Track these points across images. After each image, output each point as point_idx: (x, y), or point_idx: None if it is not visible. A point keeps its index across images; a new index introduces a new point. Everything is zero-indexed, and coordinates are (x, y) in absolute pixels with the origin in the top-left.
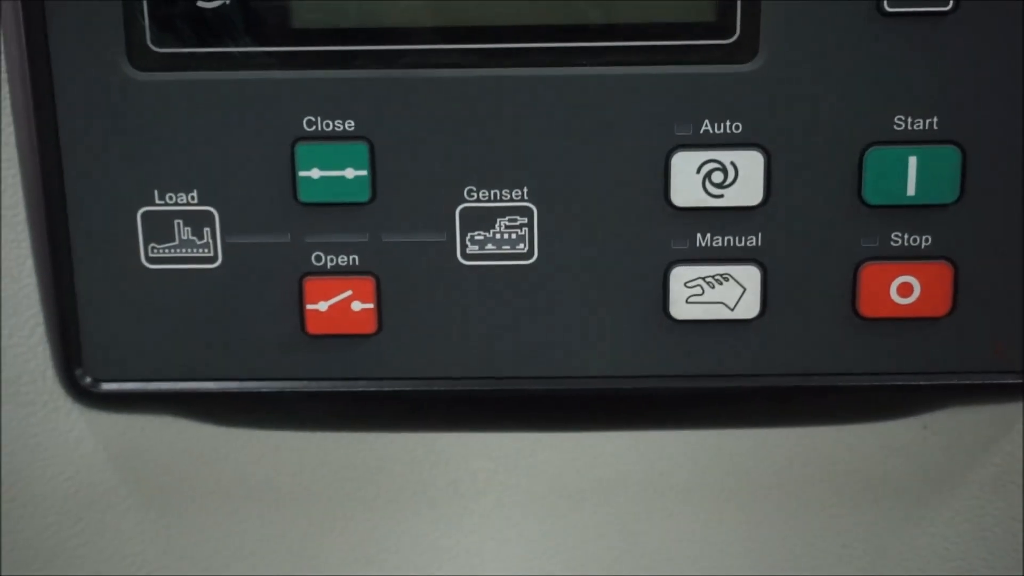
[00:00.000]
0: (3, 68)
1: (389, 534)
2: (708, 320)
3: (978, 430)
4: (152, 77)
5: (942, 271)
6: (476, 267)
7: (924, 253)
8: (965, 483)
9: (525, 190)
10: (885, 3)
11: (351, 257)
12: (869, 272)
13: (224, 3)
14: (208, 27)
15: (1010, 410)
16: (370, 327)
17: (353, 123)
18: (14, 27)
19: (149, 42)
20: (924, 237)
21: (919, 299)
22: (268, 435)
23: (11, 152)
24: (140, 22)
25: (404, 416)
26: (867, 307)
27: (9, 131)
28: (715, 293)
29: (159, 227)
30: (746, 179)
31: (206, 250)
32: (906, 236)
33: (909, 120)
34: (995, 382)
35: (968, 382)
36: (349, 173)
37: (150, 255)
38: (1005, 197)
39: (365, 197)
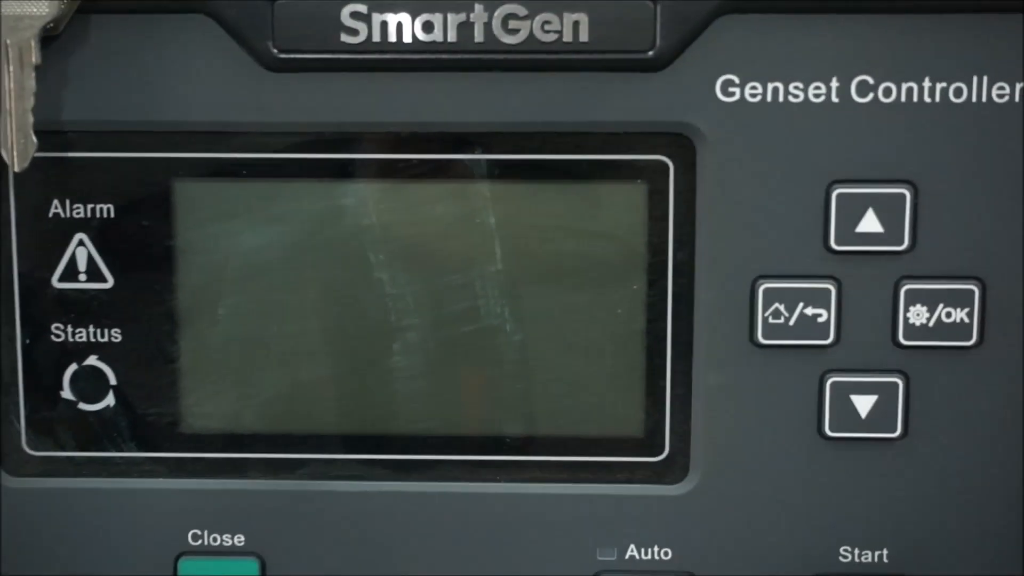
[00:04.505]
0: None
1: None
2: None
3: None
4: (26, 483)
5: None
6: None
7: None
8: None
9: None
10: (826, 427)
11: None
12: None
13: (108, 406)
14: (89, 431)
15: None
16: None
17: (243, 537)
18: None
19: (24, 445)
20: None
21: None
22: None
23: None
24: (15, 424)
25: None
26: None
27: None
28: None
29: None
30: None
31: None
32: None
33: (856, 552)
34: None
35: None
36: None
37: None
38: None
39: None
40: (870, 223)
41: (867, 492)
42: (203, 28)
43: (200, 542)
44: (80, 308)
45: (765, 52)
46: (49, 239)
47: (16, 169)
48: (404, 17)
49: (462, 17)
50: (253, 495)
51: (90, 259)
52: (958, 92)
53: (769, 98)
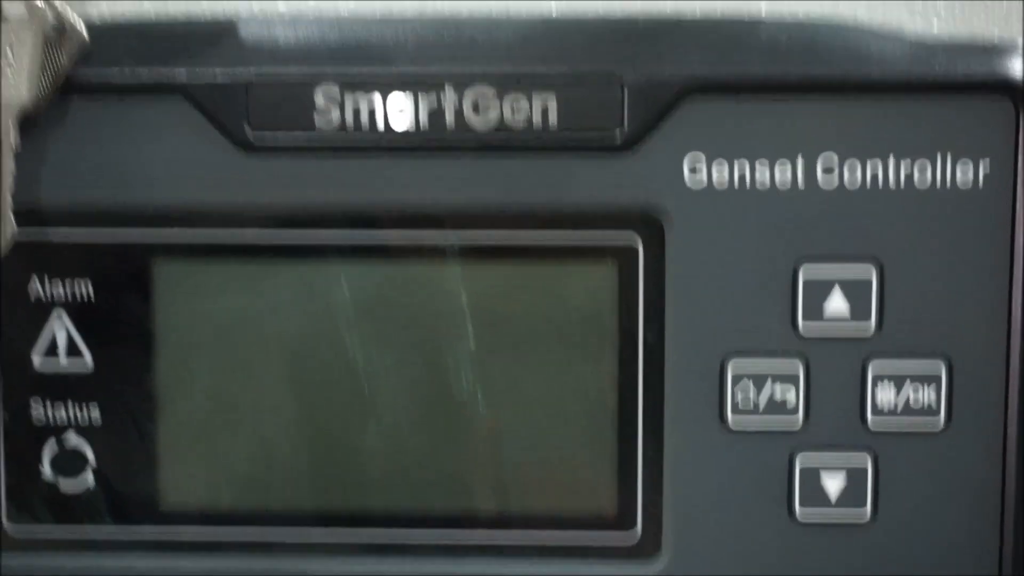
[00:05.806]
0: None
1: None
2: None
3: None
4: (4, 559)
5: None
6: None
7: None
8: None
9: None
10: (796, 507)
11: None
12: None
13: (87, 484)
14: (68, 508)
15: None
16: None
17: None
18: None
19: (4, 521)
20: None
21: None
22: None
23: None
24: None
25: None
26: None
27: None
28: None
29: None
30: None
31: None
32: None
33: None
34: None
35: None
36: None
37: None
38: None
39: None
40: (837, 302)
41: (837, 573)
42: (179, 110)
43: None
44: (60, 387)
45: (731, 133)
46: (29, 319)
47: None
48: (376, 100)
49: (433, 100)
50: (230, 573)
51: (69, 339)
52: (922, 172)
53: (736, 178)
